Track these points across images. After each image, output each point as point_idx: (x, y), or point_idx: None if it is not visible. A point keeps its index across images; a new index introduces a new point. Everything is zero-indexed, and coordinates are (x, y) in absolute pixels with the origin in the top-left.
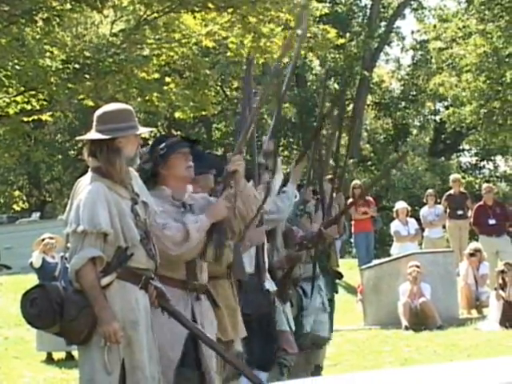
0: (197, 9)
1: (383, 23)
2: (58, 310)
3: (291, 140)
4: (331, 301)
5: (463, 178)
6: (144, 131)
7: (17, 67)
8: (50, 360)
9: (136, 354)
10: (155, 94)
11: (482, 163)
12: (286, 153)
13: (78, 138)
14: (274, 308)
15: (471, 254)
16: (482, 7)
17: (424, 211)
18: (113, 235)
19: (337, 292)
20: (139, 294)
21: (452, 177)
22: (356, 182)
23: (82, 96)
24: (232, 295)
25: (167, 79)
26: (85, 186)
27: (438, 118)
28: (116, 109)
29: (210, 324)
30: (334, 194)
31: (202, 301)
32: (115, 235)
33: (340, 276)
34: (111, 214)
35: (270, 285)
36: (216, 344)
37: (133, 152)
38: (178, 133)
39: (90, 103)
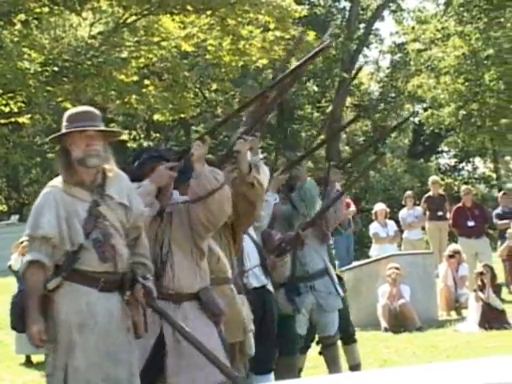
0: (175, 11)
1: (362, 25)
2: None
3: (270, 142)
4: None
5: (442, 179)
6: (87, 129)
7: None
8: (28, 363)
9: (79, 358)
10: (134, 97)
11: (460, 165)
12: (265, 154)
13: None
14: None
15: (450, 256)
16: (461, 9)
17: (403, 213)
18: (57, 238)
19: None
20: (95, 297)
21: (431, 179)
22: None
23: (60, 99)
24: (233, 299)
25: (146, 82)
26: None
27: (416, 119)
28: (74, 111)
29: (192, 330)
30: None
31: (176, 310)
32: (60, 238)
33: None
34: (59, 217)
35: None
36: (200, 344)
37: (80, 153)
38: (157, 135)
39: (69, 106)
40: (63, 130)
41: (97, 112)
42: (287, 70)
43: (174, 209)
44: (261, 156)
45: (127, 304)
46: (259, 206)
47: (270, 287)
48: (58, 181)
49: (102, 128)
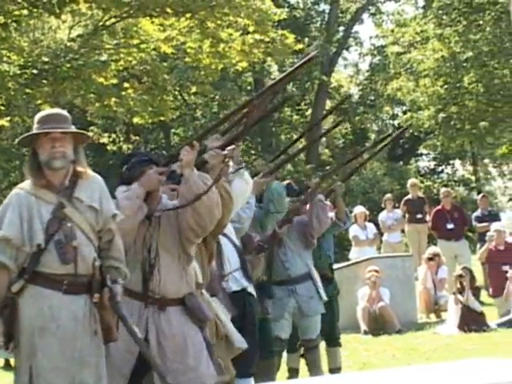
0: (155, 14)
1: (341, 28)
2: None
3: (250, 145)
4: (328, 304)
5: (421, 182)
6: (51, 131)
7: None
8: (7, 366)
9: (41, 361)
10: (113, 100)
11: (440, 168)
12: (245, 158)
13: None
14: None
15: (430, 259)
16: (440, 12)
17: (382, 216)
18: (18, 240)
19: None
20: (58, 300)
21: (410, 181)
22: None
23: (39, 101)
24: (208, 302)
25: (125, 84)
26: None
27: (396, 122)
28: (43, 114)
29: (172, 337)
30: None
31: (161, 314)
32: (21, 240)
33: (328, 277)
34: (21, 218)
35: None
36: (150, 353)
37: (46, 155)
38: (137, 138)
39: (48, 108)
40: (29, 132)
41: (66, 114)
42: (275, 80)
43: (162, 213)
44: (243, 164)
45: (98, 307)
46: (226, 215)
47: (251, 290)
48: (26, 183)
49: (66, 130)
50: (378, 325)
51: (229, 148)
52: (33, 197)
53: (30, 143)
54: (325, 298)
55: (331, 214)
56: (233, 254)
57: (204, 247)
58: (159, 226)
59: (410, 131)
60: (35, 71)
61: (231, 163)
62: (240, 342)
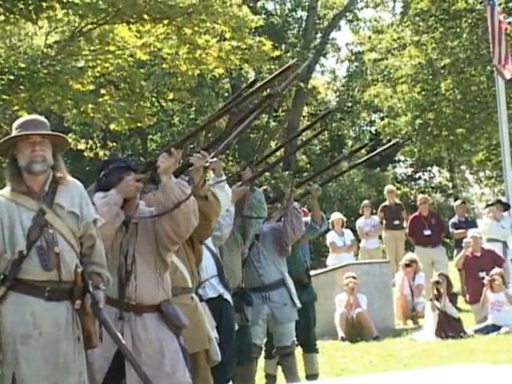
0: (132, 20)
1: (319, 35)
2: None
3: (227, 152)
4: (303, 310)
5: (398, 189)
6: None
7: None
8: None
9: (24, 369)
10: (90, 106)
11: (417, 174)
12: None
13: None
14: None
15: (407, 265)
16: (417, 19)
17: (360, 222)
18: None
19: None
20: (40, 306)
21: (386, 188)
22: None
23: (16, 107)
24: (195, 308)
25: (102, 91)
26: None
27: (373, 129)
28: (21, 120)
29: (148, 343)
30: None
31: (137, 320)
32: (2, 247)
33: (304, 283)
34: (2, 225)
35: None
36: (135, 360)
37: (26, 159)
38: (114, 144)
39: (25, 115)
40: (8, 136)
41: (44, 120)
42: (253, 88)
43: (139, 220)
44: (223, 177)
45: (79, 314)
46: (214, 218)
47: (228, 296)
48: (6, 190)
49: (44, 132)
50: (356, 331)
51: (211, 160)
52: (13, 203)
53: (7, 151)
54: (299, 304)
55: (307, 219)
56: (209, 260)
57: (191, 251)
58: (136, 232)
59: (388, 138)
60: (12, 77)
61: (212, 175)
62: (217, 356)
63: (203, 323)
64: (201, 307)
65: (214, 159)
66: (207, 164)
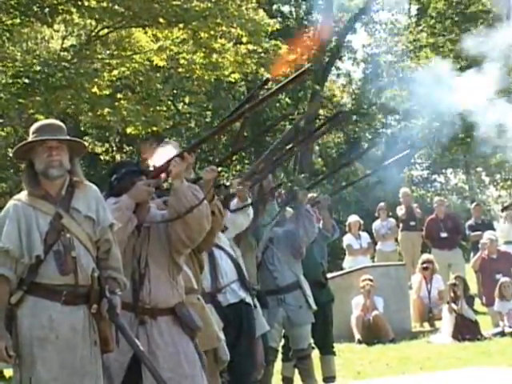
0: (148, 24)
1: (334, 37)
2: None
3: (243, 154)
4: (321, 311)
5: (412, 191)
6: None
7: None
8: (1, 377)
9: (41, 373)
10: (107, 110)
11: (433, 176)
12: (238, 167)
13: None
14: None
15: (424, 268)
16: (433, 21)
17: (376, 225)
18: (17, 252)
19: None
20: (58, 310)
21: (401, 191)
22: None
23: (32, 111)
24: (202, 308)
25: (119, 95)
26: None
27: (389, 131)
28: (38, 124)
29: (164, 346)
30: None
31: (152, 324)
32: (19, 252)
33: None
34: (20, 230)
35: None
36: (153, 366)
37: (42, 164)
38: (131, 148)
39: (41, 118)
40: (25, 141)
41: (61, 124)
42: (267, 93)
43: (152, 224)
44: (249, 201)
45: (96, 318)
46: (217, 232)
47: (249, 300)
48: (23, 194)
49: (61, 137)
50: (372, 334)
51: (237, 187)
52: (30, 208)
53: (25, 155)
54: (314, 307)
55: (318, 225)
56: (229, 265)
57: (195, 257)
58: (148, 236)
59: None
60: (27, 81)
61: (237, 200)
62: (226, 355)
63: (211, 322)
64: (207, 308)
65: (241, 186)
66: (228, 184)
